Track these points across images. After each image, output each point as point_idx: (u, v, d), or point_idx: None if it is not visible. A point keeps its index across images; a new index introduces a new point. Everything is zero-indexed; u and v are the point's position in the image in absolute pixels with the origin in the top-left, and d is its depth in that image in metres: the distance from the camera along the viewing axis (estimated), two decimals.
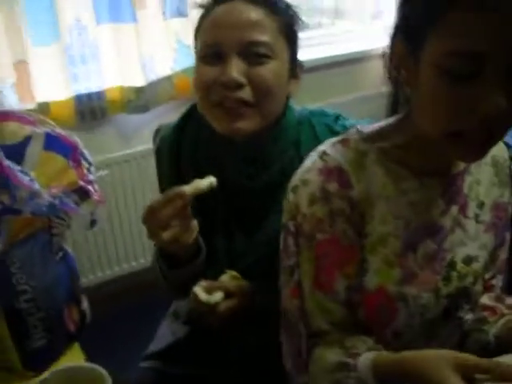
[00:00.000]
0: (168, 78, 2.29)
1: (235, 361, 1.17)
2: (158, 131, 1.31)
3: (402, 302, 0.91)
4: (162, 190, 1.23)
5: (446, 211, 0.93)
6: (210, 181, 1.00)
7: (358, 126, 0.96)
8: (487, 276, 1.01)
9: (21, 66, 2.05)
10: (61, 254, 1.08)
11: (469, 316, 0.97)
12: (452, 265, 0.94)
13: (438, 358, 0.76)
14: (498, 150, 0.99)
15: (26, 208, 0.96)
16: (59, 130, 1.08)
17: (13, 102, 2.04)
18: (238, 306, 1.05)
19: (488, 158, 0.98)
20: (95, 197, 1.02)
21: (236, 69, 1.03)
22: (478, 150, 0.84)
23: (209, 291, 1.03)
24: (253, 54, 1.04)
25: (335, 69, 2.91)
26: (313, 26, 3.10)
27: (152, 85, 2.27)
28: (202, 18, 1.11)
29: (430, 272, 0.92)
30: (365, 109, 2.96)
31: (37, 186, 0.98)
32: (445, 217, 0.93)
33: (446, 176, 0.93)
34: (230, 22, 1.05)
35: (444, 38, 0.77)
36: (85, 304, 1.14)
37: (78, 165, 1.05)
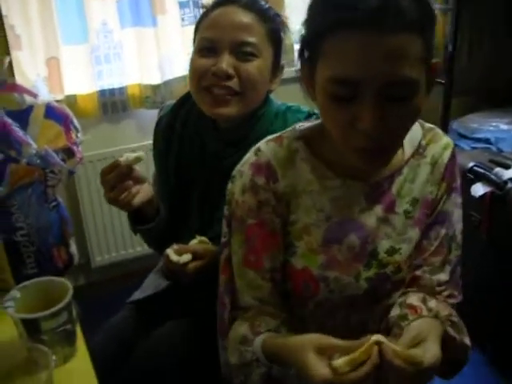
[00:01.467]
0: (182, 78, 2.53)
1: (201, 310, 1.35)
2: (160, 111, 1.53)
3: (323, 282, 1.00)
4: (157, 165, 1.47)
5: (369, 210, 1.01)
6: (138, 155, 1.21)
7: (297, 125, 1.06)
8: (413, 266, 1.04)
9: (53, 61, 2.33)
10: (54, 203, 1.33)
11: (395, 312, 1.00)
12: (374, 254, 1.01)
13: (303, 343, 0.86)
14: (441, 151, 1.04)
15: (23, 159, 1.22)
16: (55, 103, 1.33)
17: (44, 94, 2.32)
18: (203, 266, 1.24)
19: (428, 158, 1.03)
20: (78, 156, 1.28)
21: (226, 62, 1.23)
22: (374, 161, 0.92)
23: (179, 253, 1.23)
24: (242, 52, 1.25)
25: None
26: None
27: (167, 83, 2.52)
28: (202, 17, 1.32)
29: (353, 261, 1.00)
30: None
31: (33, 143, 1.23)
32: (366, 215, 1.00)
33: (368, 181, 1.00)
34: (225, 24, 1.25)
35: (324, 65, 0.85)
36: (73, 248, 1.38)
37: (68, 130, 1.30)
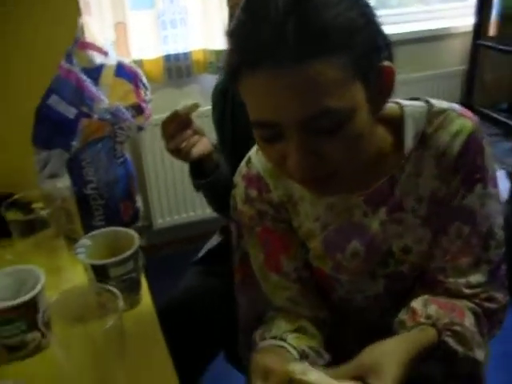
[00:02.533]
0: None
1: None
2: (218, 77, 1.55)
3: (337, 283, 0.98)
4: (216, 132, 1.49)
5: (371, 213, 0.93)
6: (195, 102, 1.21)
7: None
8: (435, 269, 0.93)
9: (120, 26, 2.39)
10: (122, 159, 1.37)
11: (400, 315, 0.91)
12: (390, 254, 0.94)
13: (255, 365, 0.84)
14: (450, 138, 0.88)
15: (94, 114, 1.26)
16: (125, 62, 1.37)
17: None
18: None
19: (432, 150, 0.89)
20: (147, 113, 1.31)
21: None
22: (322, 190, 0.86)
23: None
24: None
25: (414, 45, 3.00)
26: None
27: None
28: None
29: (362, 264, 0.95)
30: (440, 86, 3.08)
31: (105, 98, 1.28)
32: (369, 218, 0.93)
33: (366, 189, 0.93)
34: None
35: (247, 106, 0.78)
36: (139, 203, 1.43)
37: (137, 88, 1.33)
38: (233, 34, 0.75)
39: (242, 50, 0.73)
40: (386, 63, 0.78)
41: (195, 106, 1.20)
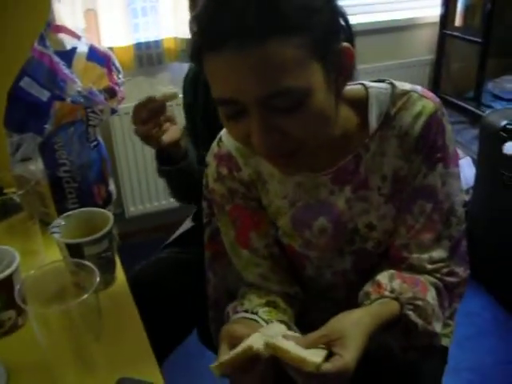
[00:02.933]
0: None
1: None
2: (190, 64, 1.56)
3: (307, 259, 1.02)
4: (186, 117, 1.51)
5: (337, 191, 0.96)
6: (174, 91, 1.22)
7: None
8: (399, 246, 0.97)
9: (91, 13, 2.36)
10: (95, 143, 1.38)
11: (365, 287, 0.95)
12: (355, 231, 0.97)
13: (223, 332, 0.87)
14: (412, 120, 0.91)
15: (68, 97, 1.27)
16: (97, 45, 1.37)
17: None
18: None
19: (395, 130, 0.92)
20: (119, 95, 1.32)
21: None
22: (287, 165, 0.88)
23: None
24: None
25: (382, 34, 3.06)
26: None
27: None
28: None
29: (330, 240, 0.98)
30: (408, 75, 3.14)
31: (78, 81, 1.28)
32: (335, 196, 0.96)
33: (332, 167, 0.95)
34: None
35: (209, 81, 0.80)
36: (111, 186, 1.44)
37: (110, 71, 1.35)
38: (196, 17, 0.78)
39: (204, 33, 0.76)
40: (345, 44, 0.80)
41: (174, 96, 1.22)
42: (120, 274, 1.16)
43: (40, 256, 1.20)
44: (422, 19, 3.13)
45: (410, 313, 0.88)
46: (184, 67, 2.54)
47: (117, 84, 1.34)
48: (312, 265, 1.03)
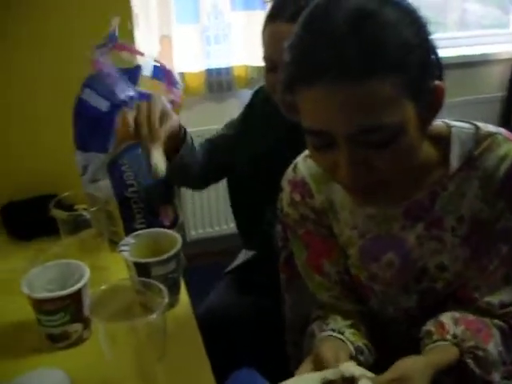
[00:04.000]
0: None
1: None
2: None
3: (371, 292, 1.01)
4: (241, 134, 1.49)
5: (409, 227, 0.95)
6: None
7: None
8: (467, 285, 0.95)
9: (165, 40, 2.45)
10: None
11: (427, 324, 0.93)
12: (424, 270, 0.96)
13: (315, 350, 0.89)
14: (497, 162, 0.89)
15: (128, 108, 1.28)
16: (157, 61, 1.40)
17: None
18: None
19: (479, 171, 0.90)
20: (176, 101, 1.35)
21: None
22: (371, 200, 0.91)
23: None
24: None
25: (452, 70, 3.01)
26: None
27: None
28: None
29: (396, 276, 0.97)
30: (478, 112, 3.07)
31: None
32: (406, 232, 0.95)
33: (405, 200, 0.94)
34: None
35: (300, 111, 0.81)
36: (178, 208, 1.46)
37: (170, 84, 1.37)
38: (291, 47, 0.79)
39: (299, 65, 0.77)
40: (437, 82, 0.81)
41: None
42: (184, 296, 1.17)
43: (108, 271, 1.22)
44: (494, 55, 3.07)
45: (470, 361, 0.87)
46: None
47: (176, 95, 1.36)
48: (376, 298, 1.02)
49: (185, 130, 1.33)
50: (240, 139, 1.46)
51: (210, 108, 2.64)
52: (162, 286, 0.91)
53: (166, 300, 0.89)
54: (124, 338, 0.87)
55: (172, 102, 1.31)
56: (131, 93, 1.30)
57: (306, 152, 1.03)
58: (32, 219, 1.49)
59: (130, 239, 1.14)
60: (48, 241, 1.38)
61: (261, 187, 1.37)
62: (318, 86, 0.74)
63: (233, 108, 2.64)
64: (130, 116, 1.17)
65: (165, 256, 1.07)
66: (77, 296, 1.00)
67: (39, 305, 0.99)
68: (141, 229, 1.30)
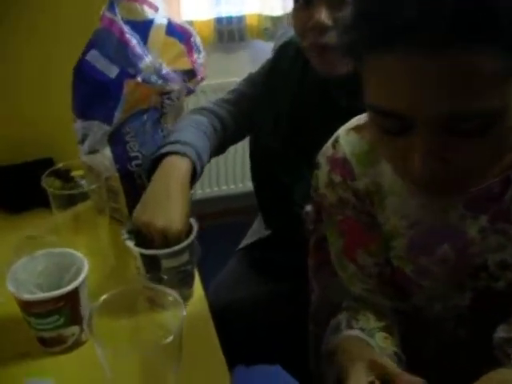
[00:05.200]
0: None
1: None
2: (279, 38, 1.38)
3: (417, 287, 0.88)
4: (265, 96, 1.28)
5: (470, 218, 0.81)
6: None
7: None
8: None
9: None
10: (166, 132, 1.22)
11: (501, 331, 0.82)
12: (483, 267, 0.83)
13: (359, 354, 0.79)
14: None
15: (140, 76, 1.11)
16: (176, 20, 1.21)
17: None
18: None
19: None
20: (199, 76, 1.17)
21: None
22: (443, 196, 0.77)
23: None
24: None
25: None
26: None
27: (289, 15, 2.36)
28: None
29: (450, 271, 0.85)
30: None
31: (153, 57, 1.13)
32: (466, 223, 0.81)
33: (472, 187, 0.78)
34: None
35: (366, 88, 0.65)
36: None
37: (190, 50, 1.18)
38: (362, 3, 0.61)
39: (373, 24, 0.59)
40: None
41: None
42: (198, 289, 1.03)
43: (109, 260, 1.07)
44: None
45: None
46: (267, 46, 2.42)
47: (197, 64, 1.17)
48: (423, 294, 0.88)
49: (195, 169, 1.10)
50: (263, 103, 1.26)
51: (219, 59, 2.45)
52: (177, 296, 0.75)
53: (184, 313, 0.73)
54: (129, 361, 0.71)
55: (192, 71, 1.13)
56: (145, 58, 1.12)
57: (350, 124, 0.88)
58: (21, 188, 1.32)
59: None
60: (40, 214, 1.22)
61: (288, 162, 1.20)
62: (400, 54, 0.57)
63: (244, 60, 2.50)
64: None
65: (177, 247, 0.91)
66: (73, 296, 0.85)
67: (27, 307, 0.84)
68: None
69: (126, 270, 1.04)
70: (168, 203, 0.98)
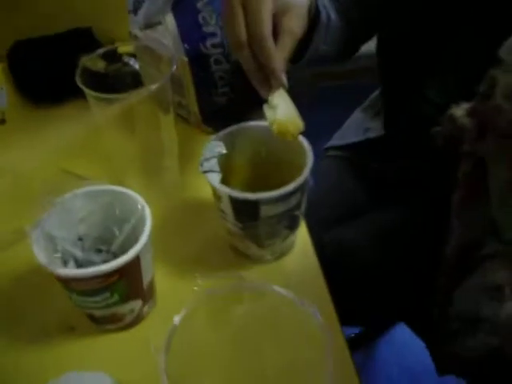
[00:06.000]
0: None
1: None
2: None
3: None
4: None
5: None
6: None
7: None
8: None
9: None
10: None
11: None
12: None
13: None
14: None
15: None
16: None
17: None
18: None
19: None
20: None
21: None
22: None
23: None
24: None
25: None
26: None
27: None
28: None
29: None
30: None
31: None
32: None
33: None
34: None
35: None
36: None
37: None
38: None
39: None
40: None
41: None
42: (303, 233, 0.74)
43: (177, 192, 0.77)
44: None
45: None
46: None
47: None
48: None
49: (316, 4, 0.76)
50: None
51: None
52: None
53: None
54: None
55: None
56: None
57: None
58: (52, 69, 1.00)
59: (217, 144, 0.66)
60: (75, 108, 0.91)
61: (422, 47, 0.86)
62: None
63: None
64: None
65: (287, 189, 0.59)
66: (132, 266, 0.55)
67: (66, 282, 0.56)
68: (224, 102, 0.83)
69: (202, 205, 0.75)
70: None
